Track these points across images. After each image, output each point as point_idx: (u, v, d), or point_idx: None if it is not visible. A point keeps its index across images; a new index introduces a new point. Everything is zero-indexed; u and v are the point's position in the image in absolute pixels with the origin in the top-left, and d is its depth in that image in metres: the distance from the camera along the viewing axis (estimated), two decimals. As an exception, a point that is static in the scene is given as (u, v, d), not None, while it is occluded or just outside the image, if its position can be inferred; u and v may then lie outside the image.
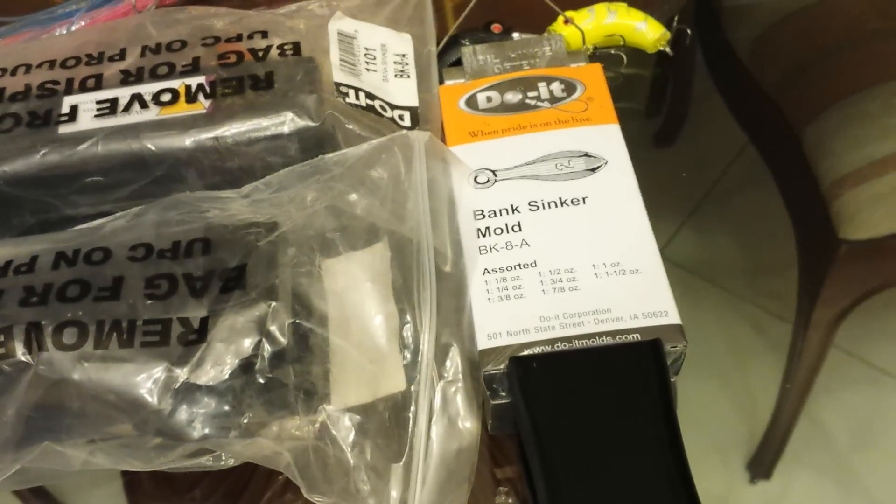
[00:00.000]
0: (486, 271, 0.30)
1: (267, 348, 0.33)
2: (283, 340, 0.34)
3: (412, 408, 0.33)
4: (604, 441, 0.27)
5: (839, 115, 0.53)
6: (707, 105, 0.69)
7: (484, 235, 0.30)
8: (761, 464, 0.73)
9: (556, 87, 0.37)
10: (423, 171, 0.36)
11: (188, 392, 0.33)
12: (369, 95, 0.41)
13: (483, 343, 0.29)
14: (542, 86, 0.37)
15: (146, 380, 0.33)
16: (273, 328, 0.34)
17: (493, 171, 0.33)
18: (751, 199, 0.82)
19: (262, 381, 0.33)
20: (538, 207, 0.31)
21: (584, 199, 0.31)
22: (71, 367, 0.33)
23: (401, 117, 0.42)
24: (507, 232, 0.30)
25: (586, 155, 0.34)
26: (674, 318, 0.29)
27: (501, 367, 0.28)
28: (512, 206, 0.31)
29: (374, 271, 0.35)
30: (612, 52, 0.49)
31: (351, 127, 0.40)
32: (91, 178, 0.41)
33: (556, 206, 0.31)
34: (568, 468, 0.27)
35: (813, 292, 0.51)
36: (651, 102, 0.89)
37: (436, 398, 0.33)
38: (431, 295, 0.33)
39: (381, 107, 0.41)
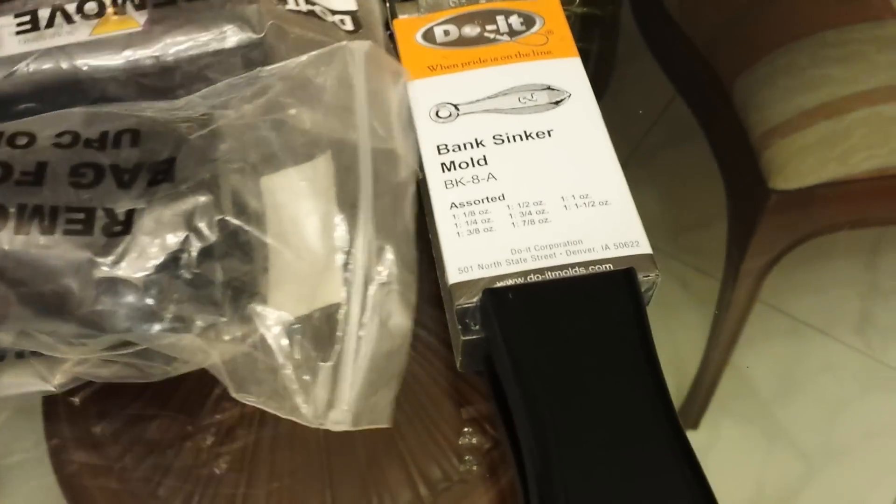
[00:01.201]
0: (452, 205, 0.29)
1: (194, 243, 0.33)
2: (210, 236, 0.33)
3: (343, 309, 0.33)
4: (582, 370, 0.26)
5: (768, 67, 0.54)
6: (631, 64, 0.69)
7: (448, 170, 0.29)
8: (688, 415, 0.74)
9: (515, 21, 0.36)
10: (360, 79, 0.35)
11: (111, 284, 0.32)
12: (308, 0, 0.40)
13: (454, 277, 0.28)
14: (500, 19, 0.36)
15: (68, 268, 0.32)
16: (201, 223, 0.33)
17: (455, 106, 0.32)
18: (674, 158, 0.84)
19: (188, 276, 0.33)
20: (503, 141, 0.30)
21: (549, 132, 0.30)
22: None
23: (342, 21, 0.40)
24: (473, 166, 0.29)
25: (549, 88, 0.33)
26: (645, 247, 0.29)
27: (474, 300, 0.27)
28: (476, 139, 0.30)
29: (316, 184, 0.34)
30: None
31: (295, 34, 0.38)
32: (24, 105, 0.38)
33: (522, 139, 0.30)
34: (549, 398, 0.26)
35: (742, 243, 0.52)
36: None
37: (368, 300, 0.33)
38: (367, 199, 0.33)
39: (322, 11, 0.40)
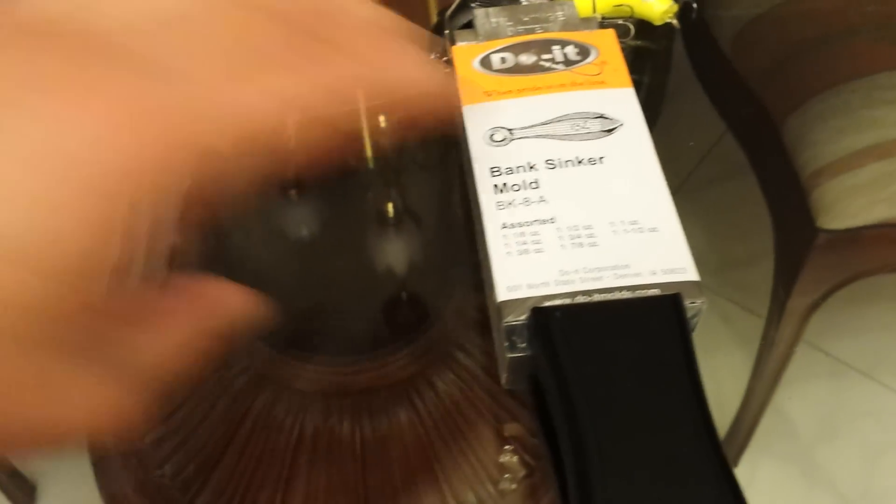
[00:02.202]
0: (504, 226, 0.29)
1: None
2: None
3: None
4: (627, 390, 0.26)
5: (820, 106, 0.53)
6: (681, 99, 0.68)
7: (501, 191, 0.29)
8: (728, 452, 0.73)
9: (571, 51, 0.36)
10: None
11: None
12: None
13: (503, 295, 0.28)
14: (556, 49, 0.36)
15: None
16: None
17: (510, 130, 0.32)
18: (722, 194, 0.83)
19: None
20: (555, 166, 0.30)
21: (600, 158, 0.30)
22: None
23: None
24: (525, 188, 0.29)
25: (602, 117, 0.33)
26: (692, 274, 0.28)
27: (522, 318, 0.27)
28: (529, 163, 0.30)
29: None
30: (620, 22, 0.49)
31: None
32: None
33: (573, 164, 0.30)
34: (592, 416, 0.25)
35: (788, 281, 0.51)
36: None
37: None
38: None
39: None
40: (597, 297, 0.27)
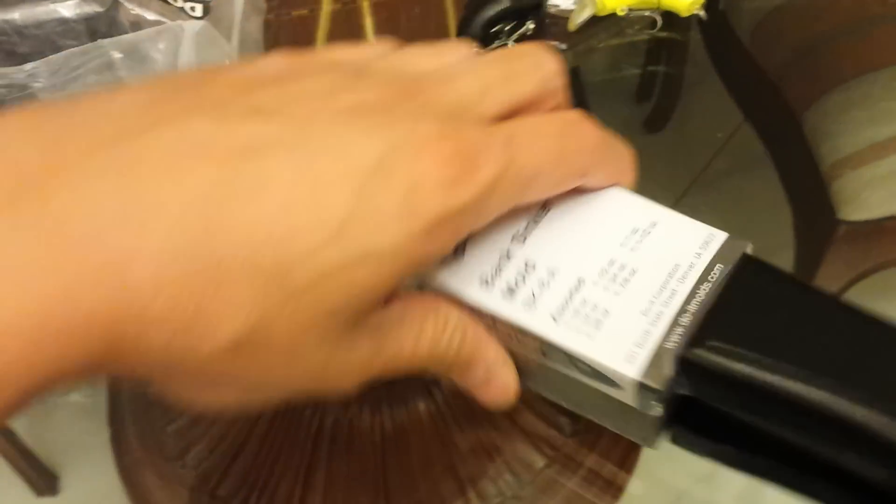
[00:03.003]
0: (553, 318, 0.25)
1: None
2: None
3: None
4: (794, 346, 0.24)
5: (841, 97, 0.52)
6: (697, 91, 0.67)
7: (513, 293, 0.26)
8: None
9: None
10: (189, 54, 0.39)
11: None
12: (160, -14, 0.43)
13: (633, 370, 0.24)
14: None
15: None
16: None
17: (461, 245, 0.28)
18: (738, 186, 0.82)
19: None
20: (524, 238, 0.26)
21: (562, 203, 0.27)
22: None
23: (192, 9, 0.43)
24: (528, 273, 0.26)
25: None
26: (721, 233, 0.27)
27: (666, 372, 0.24)
28: (505, 252, 0.26)
29: None
30: (647, 13, 0.48)
31: (136, 12, 0.42)
32: None
33: (546, 220, 0.27)
34: (832, 387, 0.23)
35: (809, 273, 0.50)
36: (641, 87, 0.89)
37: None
38: None
39: None
40: (693, 308, 0.25)
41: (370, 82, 0.20)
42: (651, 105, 0.79)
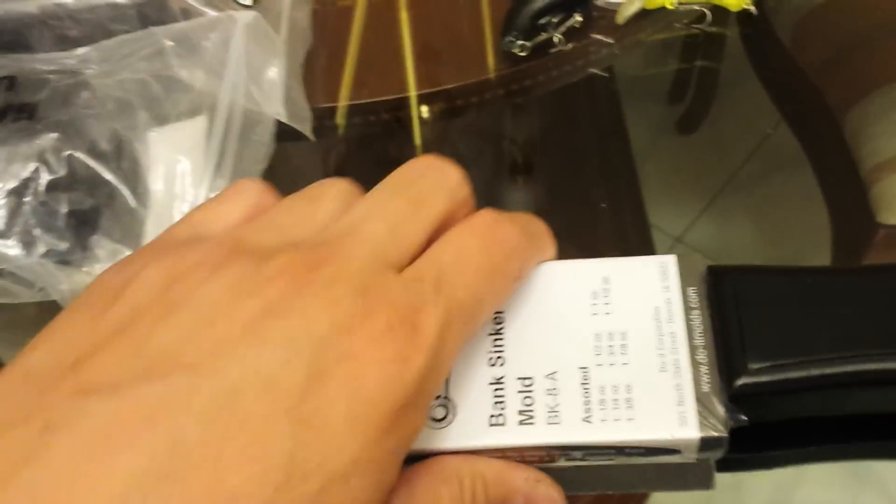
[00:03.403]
0: (586, 421, 0.23)
1: (43, 174, 0.37)
2: (58, 169, 0.37)
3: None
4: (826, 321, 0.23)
5: (883, 99, 0.51)
6: (731, 93, 0.66)
7: (528, 416, 0.24)
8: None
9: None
10: (240, 45, 0.39)
11: None
12: (211, -25, 0.43)
13: (692, 432, 0.23)
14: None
15: None
16: (50, 157, 0.37)
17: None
18: (772, 189, 0.81)
19: (35, 203, 0.36)
20: (502, 361, 0.25)
21: (511, 307, 0.26)
22: None
23: None
24: (528, 390, 0.24)
25: None
26: (668, 256, 0.25)
27: (721, 414, 0.23)
28: (496, 377, 0.24)
29: (192, 141, 0.38)
30: (696, 7, 0.47)
31: (186, 0, 0.41)
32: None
33: (508, 331, 0.25)
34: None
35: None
36: (675, 88, 0.88)
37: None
38: (230, 156, 0.37)
39: None
40: (700, 341, 0.23)
41: (269, 270, 0.17)
42: (684, 106, 0.78)
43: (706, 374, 0.22)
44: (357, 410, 0.16)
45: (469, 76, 0.46)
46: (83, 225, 0.37)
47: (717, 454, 0.22)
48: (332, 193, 0.20)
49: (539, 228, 0.23)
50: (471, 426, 0.22)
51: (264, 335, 0.16)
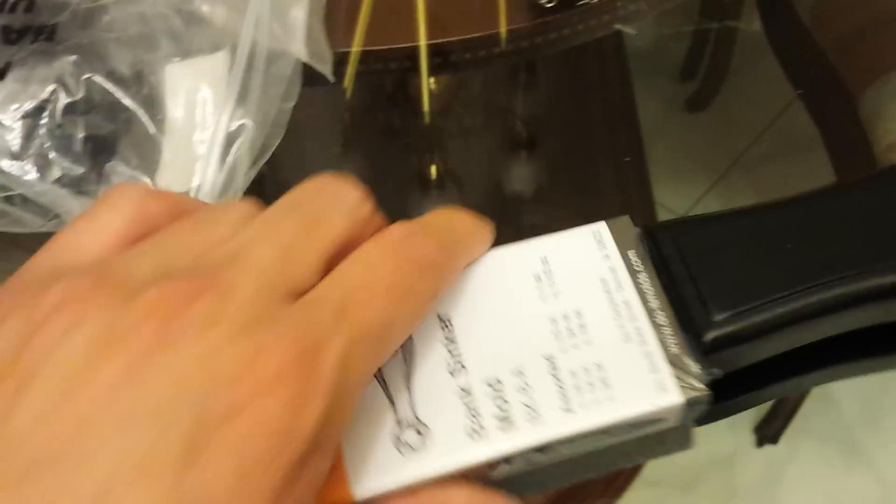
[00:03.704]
0: (566, 411, 0.22)
1: (61, 97, 0.36)
2: (76, 92, 0.36)
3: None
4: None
5: (900, 80, 0.50)
6: (743, 73, 0.66)
7: (509, 420, 0.23)
8: (769, 429, 0.70)
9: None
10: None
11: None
12: None
13: (674, 397, 0.22)
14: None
15: None
16: (69, 79, 0.36)
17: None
18: (779, 170, 0.80)
19: (51, 125, 0.36)
20: (465, 364, 0.24)
21: (457, 309, 0.25)
22: None
23: None
24: (502, 393, 0.23)
25: None
26: (598, 223, 0.24)
27: (697, 372, 0.22)
28: (462, 388, 0.23)
29: (213, 74, 0.37)
30: None
31: None
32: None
33: (460, 334, 0.24)
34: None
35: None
36: (686, 66, 0.87)
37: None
38: (255, 91, 0.37)
39: None
40: (655, 304, 0.23)
41: (135, 312, 0.15)
42: (695, 84, 0.78)
43: (671, 335, 0.22)
44: (246, 476, 0.14)
45: (492, 26, 0.45)
46: (100, 150, 0.37)
47: (700, 411, 0.22)
48: (232, 215, 0.18)
49: (462, 230, 0.21)
50: (449, 444, 0.20)
51: (131, 406, 0.14)
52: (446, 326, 0.22)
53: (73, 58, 0.37)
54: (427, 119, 0.61)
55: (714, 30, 0.61)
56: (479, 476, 0.21)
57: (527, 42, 0.45)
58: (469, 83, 0.69)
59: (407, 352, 0.22)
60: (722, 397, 0.22)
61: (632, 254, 0.23)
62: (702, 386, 0.21)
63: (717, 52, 0.65)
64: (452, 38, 0.45)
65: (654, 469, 0.42)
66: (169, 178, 0.37)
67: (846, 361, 0.24)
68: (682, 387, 0.21)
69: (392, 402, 0.21)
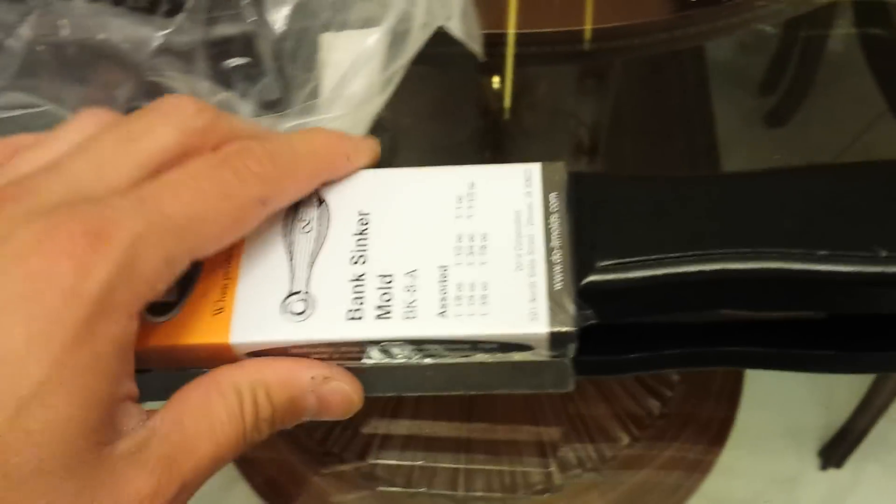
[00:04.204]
0: (441, 315, 0.23)
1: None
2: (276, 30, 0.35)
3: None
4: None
5: None
6: (826, 89, 0.64)
7: (388, 312, 0.24)
8: (835, 453, 0.69)
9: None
10: None
11: (165, 51, 0.35)
12: None
13: (541, 326, 0.23)
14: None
15: (132, 35, 0.34)
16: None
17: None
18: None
19: (239, 62, 0.35)
20: (367, 257, 0.25)
21: (379, 208, 0.26)
22: (67, 9, 0.34)
23: None
24: (391, 288, 0.24)
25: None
26: (534, 164, 0.25)
27: (571, 311, 0.23)
28: (356, 274, 0.24)
29: (366, 48, 0.36)
30: None
31: None
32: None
33: (373, 230, 0.25)
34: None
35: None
36: (768, 79, 0.85)
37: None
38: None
39: None
40: (557, 242, 0.24)
41: None
42: (776, 98, 0.76)
43: (560, 273, 0.23)
44: (36, 331, 0.16)
45: (634, 15, 0.44)
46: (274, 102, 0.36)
47: (569, 352, 0.23)
48: (77, 125, 0.20)
49: (318, 149, 0.23)
50: (328, 320, 0.22)
51: None
52: (363, 222, 0.24)
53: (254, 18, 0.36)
54: (507, 115, 0.61)
55: (800, 40, 0.59)
56: (353, 358, 0.22)
57: (665, 35, 0.45)
58: (534, 83, 0.69)
59: (320, 235, 0.24)
60: (597, 352, 0.24)
61: (553, 196, 0.24)
62: (571, 323, 0.22)
63: (802, 65, 0.64)
64: (577, 28, 0.44)
65: (713, 485, 0.42)
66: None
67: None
68: (552, 320, 0.22)
69: (292, 274, 0.23)
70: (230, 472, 0.38)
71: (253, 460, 0.38)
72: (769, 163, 0.73)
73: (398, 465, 0.36)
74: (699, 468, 0.41)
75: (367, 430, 0.36)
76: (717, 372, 0.46)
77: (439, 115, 0.65)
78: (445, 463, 0.35)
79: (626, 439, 0.37)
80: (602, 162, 0.66)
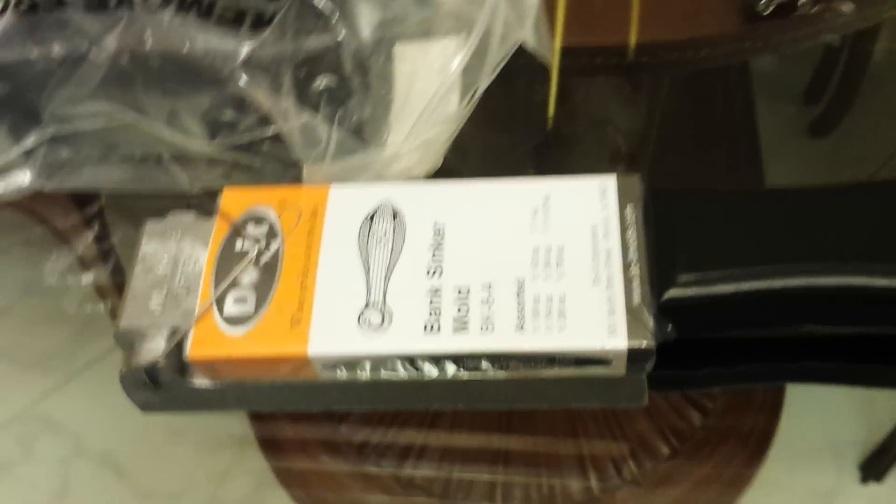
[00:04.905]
0: (518, 329, 0.23)
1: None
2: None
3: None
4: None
5: None
6: (872, 99, 0.62)
7: (465, 325, 0.23)
8: (876, 466, 0.67)
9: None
10: None
11: (250, 64, 0.34)
12: None
13: (620, 342, 0.22)
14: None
15: (217, 48, 0.33)
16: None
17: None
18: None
19: (325, 81, 0.34)
20: (443, 270, 0.25)
21: (454, 220, 0.25)
22: (153, 21, 0.33)
23: None
24: (467, 301, 0.23)
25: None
26: (608, 176, 0.25)
27: (649, 326, 0.23)
28: (433, 288, 0.24)
29: (444, 61, 0.35)
30: None
31: None
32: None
33: (449, 243, 0.25)
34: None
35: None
36: (812, 86, 0.83)
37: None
38: (485, 82, 0.34)
39: None
40: (634, 257, 0.23)
41: None
42: (820, 108, 0.74)
43: (638, 287, 0.22)
44: None
45: (701, 29, 0.43)
46: (360, 132, 0.35)
47: (646, 367, 0.22)
48: None
49: None
50: (405, 332, 0.22)
51: None
52: (438, 234, 0.24)
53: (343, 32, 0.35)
54: (550, 124, 0.60)
55: (845, 51, 0.58)
56: (425, 371, 0.22)
57: (733, 47, 0.44)
58: (572, 93, 0.68)
59: (396, 247, 0.23)
60: (677, 367, 0.24)
61: (629, 209, 0.24)
62: (650, 339, 0.22)
63: (847, 74, 0.62)
64: (638, 40, 0.44)
65: (752, 498, 0.42)
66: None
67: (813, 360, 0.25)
68: (631, 334, 0.22)
69: (368, 286, 0.23)
70: (266, 476, 0.38)
71: (289, 467, 0.38)
72: (814, 173, 0.72)
73: (435, 476, 0.35)
74: (739, 481, 0.40)
75: (404, 439, 0.36)
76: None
77: (486, 123, 0.64)
78: (483, 475, 0.35)
79: (666, 452, 0.36)
80: (645, 173, 0.65)
